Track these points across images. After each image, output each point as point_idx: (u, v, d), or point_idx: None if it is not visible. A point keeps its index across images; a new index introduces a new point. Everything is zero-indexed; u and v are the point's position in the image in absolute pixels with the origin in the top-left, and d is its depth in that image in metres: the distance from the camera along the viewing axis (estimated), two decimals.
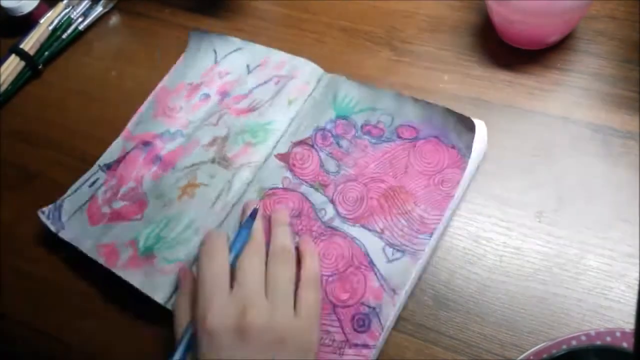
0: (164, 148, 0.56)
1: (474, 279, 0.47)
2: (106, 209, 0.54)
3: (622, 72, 0.54)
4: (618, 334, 0.39)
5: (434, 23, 0.60)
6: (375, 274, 0.46)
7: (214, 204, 0.51)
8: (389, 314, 0.44)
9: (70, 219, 0.54)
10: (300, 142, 0.54)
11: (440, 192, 0.49)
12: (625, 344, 0.39)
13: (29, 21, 0.67)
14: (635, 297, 0.44)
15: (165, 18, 0.68)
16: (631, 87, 0.53)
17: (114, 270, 0.49)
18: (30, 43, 0.66)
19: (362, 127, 0.53)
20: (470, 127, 0.49)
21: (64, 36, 0.68)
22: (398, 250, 0.47)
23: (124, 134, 0.59)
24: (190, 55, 0.63)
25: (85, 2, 0.69)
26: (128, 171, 0.56)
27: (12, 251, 0.56)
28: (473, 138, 0.49)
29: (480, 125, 0.50)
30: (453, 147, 0.50)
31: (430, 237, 0.47)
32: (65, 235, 0.53)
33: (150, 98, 0.61)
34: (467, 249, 0.48)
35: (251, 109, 0.56)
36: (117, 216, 0.53)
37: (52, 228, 0.53)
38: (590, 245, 0.47)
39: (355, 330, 0.44)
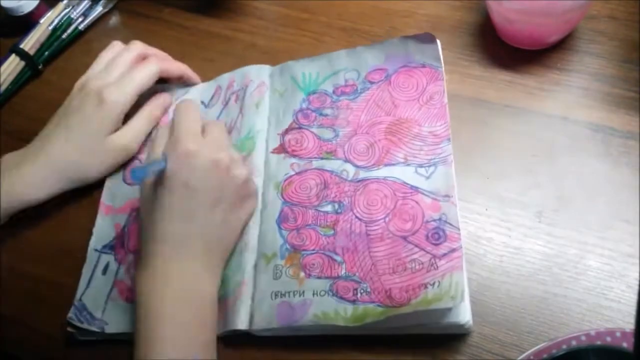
0: None
1: (474, 279, 0.47)
2: None
3: (622, 72, 0.54)
4: (618, 334, 0.39)
5: (433, 23, 0.60)
6: (423, 194, 0.48)
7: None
8: (455, 214, 0.46)
9: (106, 311, 0.50)
10: (287, 130, 0.54)
11: (434, 106, 0.52)
12: (625, 344, 0.39)
13: (29, 21, 0.67)
14: (635, 297, 0.44)
15: (165, 18, 0.68)
16: (631, 87, 0.53)
17: None
18: (30, 43, 0.66)
19: (334, 92, 0.55)
20: (429, 40, 0.54)
21: (64, 36, 0.68)
22: (430, 166, 0.49)
23: (103, 210, 0.55)
24: None
25: (85, 2, 0.68)
26: (139, 242, 0.51)
27: (12, 251, 0.56)
28: (438, 48, 0.53)
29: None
30: (423, 65, 0.54)
31: (449, 141, 0.49)
32: (113, 329, 0.49)
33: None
34: (467, 249, 0.48)
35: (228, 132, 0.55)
36: None
37: (94, 328, 0.49)
38: (590, 245, 0.47)
39: (435, 244, 0.45)
